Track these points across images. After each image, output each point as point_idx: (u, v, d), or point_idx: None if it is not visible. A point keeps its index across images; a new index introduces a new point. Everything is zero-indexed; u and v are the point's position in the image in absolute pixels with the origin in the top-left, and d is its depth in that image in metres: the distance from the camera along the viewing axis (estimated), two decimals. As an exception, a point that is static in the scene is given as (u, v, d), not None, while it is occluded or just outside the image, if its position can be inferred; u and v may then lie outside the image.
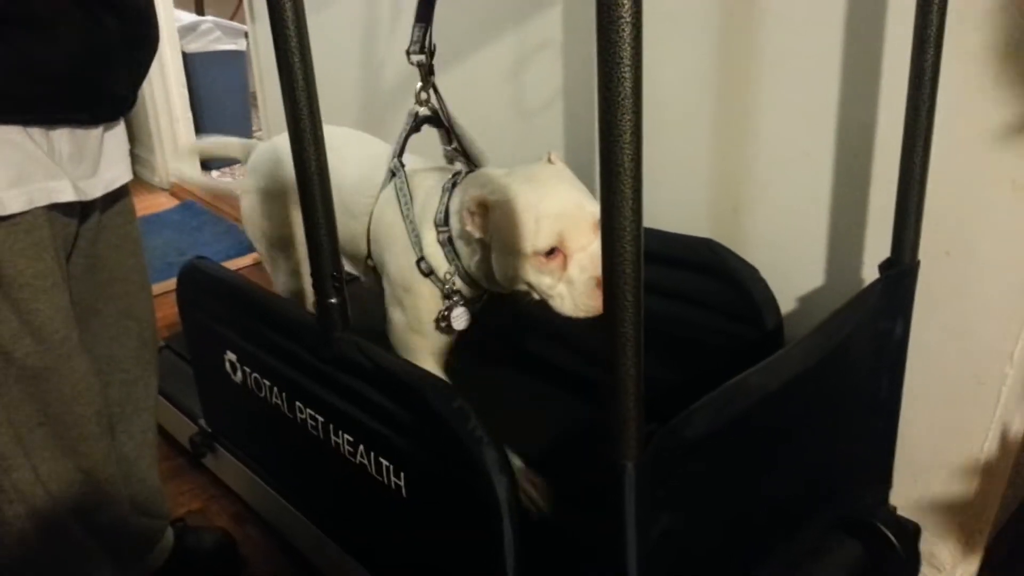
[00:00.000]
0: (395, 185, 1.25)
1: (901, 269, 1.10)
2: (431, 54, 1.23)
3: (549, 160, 1.14)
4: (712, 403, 0.89)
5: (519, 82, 1.65)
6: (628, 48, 0.61)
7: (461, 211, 1.13)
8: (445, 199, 1.19)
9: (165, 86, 3.07)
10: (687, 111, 1.38)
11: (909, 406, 1.22)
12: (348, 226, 1.32)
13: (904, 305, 1.13)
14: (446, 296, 1.22)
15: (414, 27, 1.21)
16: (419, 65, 1.23)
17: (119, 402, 1.18)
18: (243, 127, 3.44)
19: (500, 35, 1.64)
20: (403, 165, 1.27)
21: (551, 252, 1.05)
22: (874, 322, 1.10)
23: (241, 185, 1.57)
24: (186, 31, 3.12)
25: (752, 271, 1.25)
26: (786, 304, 1.30)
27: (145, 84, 3.42)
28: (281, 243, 1.50)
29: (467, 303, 1.22)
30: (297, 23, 0.88)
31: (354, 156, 1.38)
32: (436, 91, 1.25)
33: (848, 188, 1.23)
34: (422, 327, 1.25)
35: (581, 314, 1.05)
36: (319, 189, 0.98)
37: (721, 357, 1.27)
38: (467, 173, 1.21)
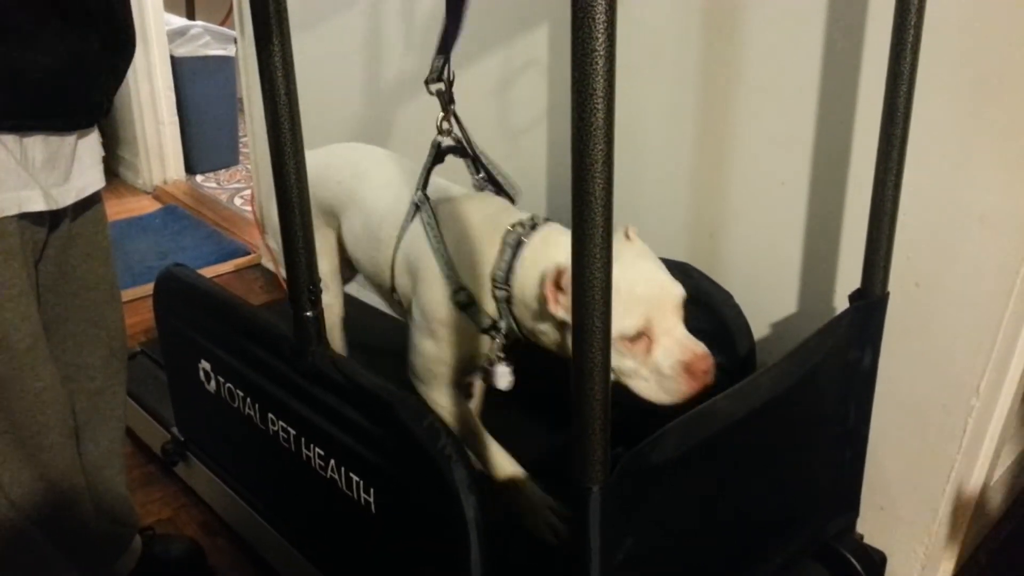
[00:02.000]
0: (423, 220, 1.21)
1: (871, 300, 1.11)
2: (450, 83, 1.21)
3: (626, 235, 1.08)
4: (680, 428, 0.89)
5: (505, 101, 1.67)
6: (601, 80, 0.63)
7: (546, 286, 1.04)
8: (507, 255, 1.12)
9: (152, 89, 3.06)
10: (667, 138, 1.40)
11: (877, 435, 1.23)
12: (373, 256, 1.31)
13: (873, 335, 1.14)
14: (483, 331, 1.18)
15: (434, 58, 1.19)
16: (439, 94, 1.21)
17: (86, 411, 1.18)
18: (230, 133, 3.44)
19: (486, 53, 1.65)
20: (427, 198, 1.23)
21: (636, 336, 1.01)
22: (844, 351, 1.12)
23: None
24: (175, 35, 3.12)
25: (726, 296, 1.26)
26: (759, 330, 1.32)
27: (132, 87, 3.41)
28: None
29: (509, 359, 1.18)
30: (281, 38, 0.89)
31: (382, 181, 1.36)
32: (458, 120, 1.22)
33: (821, 219, 1.25)
34: (454, 358, 1.21)
35: (668, 400, 1.01)
36: (297, 202, 0.98)
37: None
38: (530, 227, 1.13)
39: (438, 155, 1.24)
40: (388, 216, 1.29)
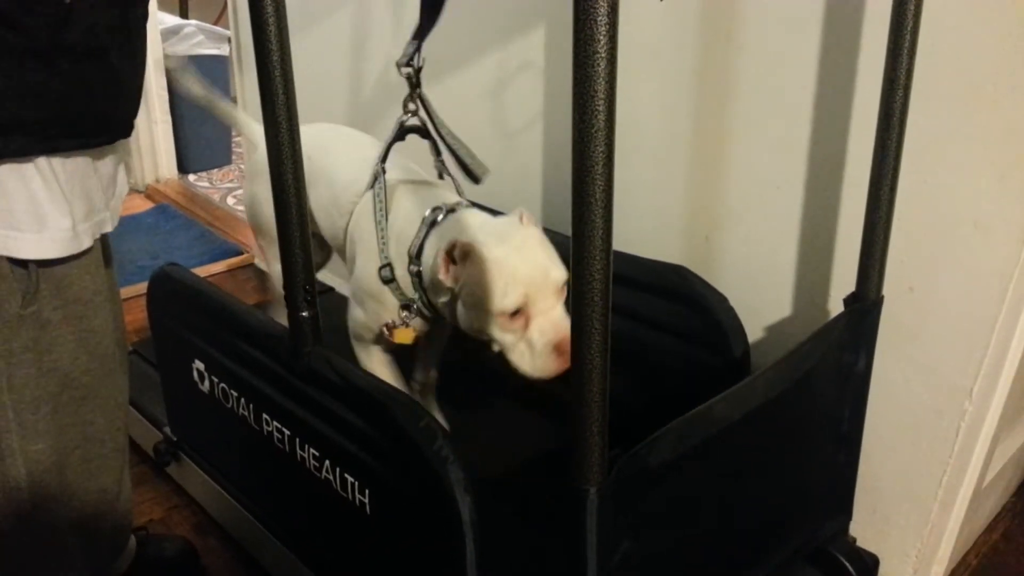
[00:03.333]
0: (374, 192, 1.28)
1: (865, 304, 1.12)
2: (419, 68, 1.24)
3: (521, 219, 1.16)
4: (676, 430, 0.90)
5: (500, 102, 1.67)
6: (603, 82, 0.63)
7: (437, 257, 1.15)
8: (423, 233, 1.21)
9: (145, 89, 3.03)
10: (664, 141, 1.40)
11: (870, 438, 1.24)
12: (335, 223, 1.38)
13: (867, 339, 1.15)
14: (404, 307, 1.27)
15: (409, 43, 1.23)
16: (407, 77, 1.25)
17: None
18: (223, 132, 3.42)
19: (483, 54, 1.65)
20: (384, 171, 1.29)
21: (515, 312, 1.09)
22: (838, 355, 1.12)
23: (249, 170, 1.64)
24: (169, 34, 3.10)
25: (721, 299, 1.27)
26: (753, 333, 1.32)
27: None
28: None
29: (425, 320, 1.28)
30: (279, 37, 0.89)
31: (348, 156, 1.43)
32: (424, 102, 1.26)
33: (816, 222, 1.26)
34: (378, 326, 1.30)
35: (537, 375, 1.10)
36: (294, 202, 0.98)
37: (688, 382, 1.28)
38: (448, 211, 1.22)
39: (400, 132, 1.29)
40: (350, 185, 1.36)
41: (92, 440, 1.05)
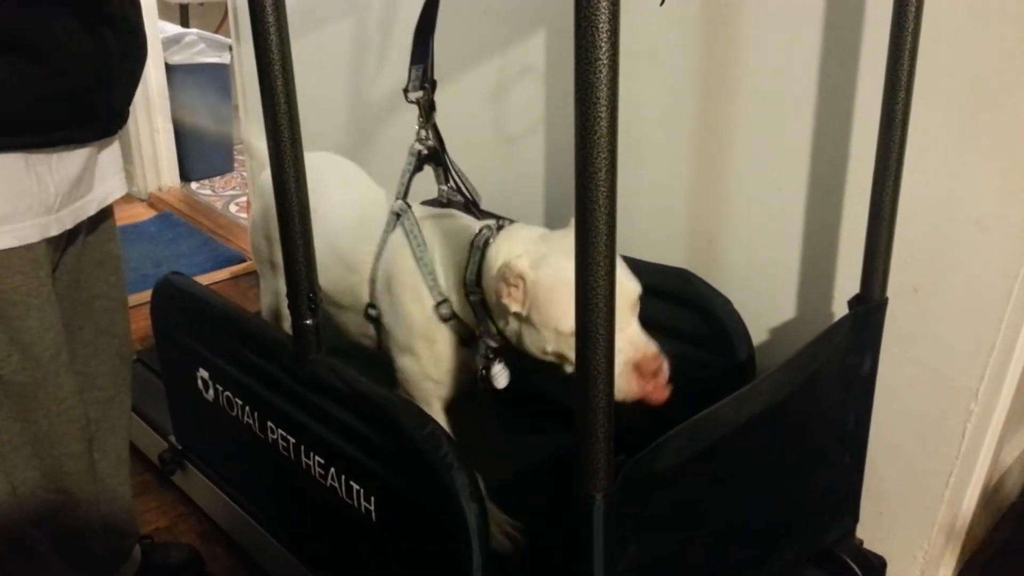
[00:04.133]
0: (405, 228, 1.19)
1: (870, 305, 1.12)
2: (431, 90, 1.20)
3: None
4: (682, 435, 0.90)
5: (501, 107, 1.67)
6: (605, 89, 0.63)
7: (497, 281, 1.07)
8: (476, 258, 1.13)
9: (147, 97, 3.05)
10: (667, 145, 1.40)
11: (876, 440, 1.23)
12: (345, 278, 1.28)
13: (872, 341, 1.14)
14: (464, 342, 1.18)
15: (411, 68, 1.19)
16: (418, 102, 1.20)
17: (95, 420, 1.17)
18: (224, 140, 3.43)
19: (482, 60, 1.65)
20: (409, 207, 1.22)
21: None
22: (843, 357, 1.12)
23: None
24: (170, 43, 3.11)
25: (725, 302, 1.27)
26: (758, 335, 1.32)
27: (126, 95, 3.36)
28: (273, 264, 1.48)
29: (501, 357, 1.17)
30: (281, 46, 0.89)
31: (343, 201, 1.34)
32: (436, 129, 1.22)
33: (820, 224, 1.25)
34: (439, 373, 1.20)
35: (618, 398, 0.97)
36: (297, 209, 0.98)
37: (692, 386, 1.27)
38: (497, 229, 1.14)
39: (419, 164, 1.24)
40: (361, 233, 1.26)
41: (41, 441, 1.04)
